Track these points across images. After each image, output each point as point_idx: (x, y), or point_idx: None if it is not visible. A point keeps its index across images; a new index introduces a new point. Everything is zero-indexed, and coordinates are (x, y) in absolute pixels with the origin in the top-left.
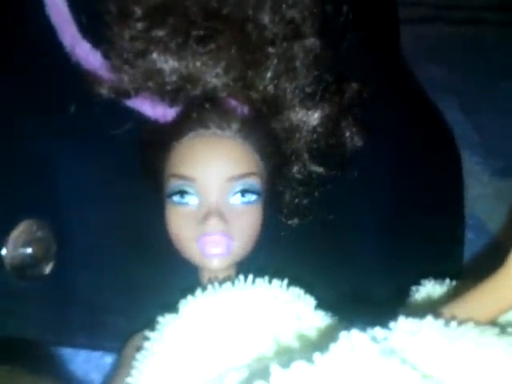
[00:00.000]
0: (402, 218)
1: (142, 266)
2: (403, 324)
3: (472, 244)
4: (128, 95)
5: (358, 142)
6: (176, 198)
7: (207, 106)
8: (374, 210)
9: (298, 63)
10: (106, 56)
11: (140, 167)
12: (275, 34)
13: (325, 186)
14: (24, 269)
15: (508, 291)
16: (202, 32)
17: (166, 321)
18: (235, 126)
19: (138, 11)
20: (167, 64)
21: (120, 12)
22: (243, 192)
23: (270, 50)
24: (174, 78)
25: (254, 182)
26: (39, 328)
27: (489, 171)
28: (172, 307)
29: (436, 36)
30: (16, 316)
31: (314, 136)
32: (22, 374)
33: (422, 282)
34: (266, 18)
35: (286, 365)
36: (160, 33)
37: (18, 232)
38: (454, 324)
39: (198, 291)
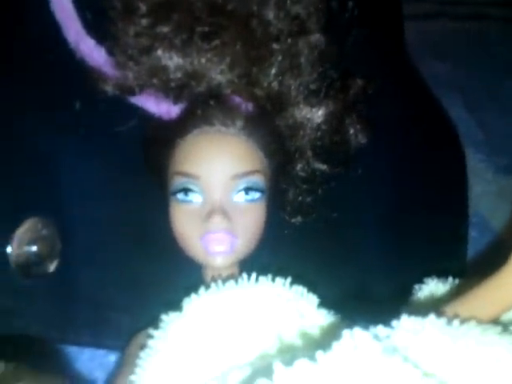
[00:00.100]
0: (406, 216)
1: (146, 263)
2: (406, 322)
3: (475, 242)
4: (132, 92)
5: (362, 139)
6: (180, 196)
7: (212, 102)
8: (377, 207)
9: (302, 59)
10: (110, 52)
11: (144, 164)
12: (280, 30)
13: (328, 184)
14: (29, 267)
15: (510, 290)
16: (206, 28)
17: (169, 319)
18: (239, 123)
19: (143, 7)
20: (172, 61)
21: (125, 8)
22: (247, 190)
23: (275, 46)
24: (179, 74)
25: (258, 179)
26: (44, 326)
27: (492, 169)
28: (176, 305)
29: (440, 32)
30: (21, 314)
31: (318, 133)
32: (26, 371)
33: (425, 280)
34: (270, 14)
35: (288, 363)
36: (165, 29)
37: (23, 230)
38: (456, 322)
39: (202, 289)
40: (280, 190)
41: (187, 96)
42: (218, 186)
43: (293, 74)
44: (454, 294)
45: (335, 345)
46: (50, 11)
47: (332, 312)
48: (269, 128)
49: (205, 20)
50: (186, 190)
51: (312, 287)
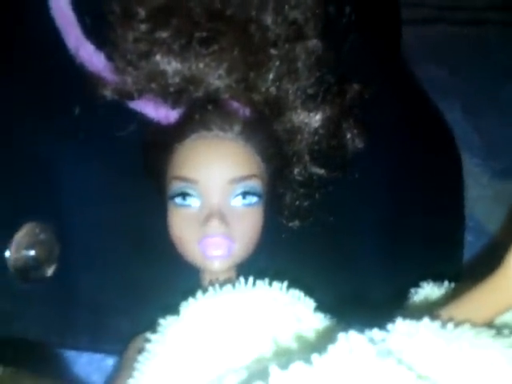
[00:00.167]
0: (402, 220)
1: (145, 267)
2: (401, 326)
3: (471, 246)
4: (131, 97)
5: (359, 143)
6: (178, 200)
7: (209, 107)
8: (374, 211)
9: (300, 64)
10: (109, 58)
11: (143, 169)
12: (278, 35)
13: (326, 188)
14: (27, 271)
15: (504, 293)
16: (205, 34)
17: (167, 322)
18: (237, 127)
19: (142, 13)
20: (170, 66)
21: (124, 14)
22: (244, 194)
23: (273, 51)
24: (177, 79)
25: (256, 184)
26: (42, 330)
27: (489, 173)
28: (173, 309)
29: (438, 37)
30: (19, 318)
31: (316, 138)
32: (24, 375)
33: (421, 284)
34: (268, 20)
35: (284, 366)
36: (163, 34)
37: (21, 234)
38: (450, 325)
39: (199, 293)
40: (277, 194)
41: (185, 101)
42: (216, 191)
43: (290, 79)
44: (450, 298)
45: (331, 348)
46: (50, 17)
47: (328, 316)
48: (266, 132)
49: (203, 25)
50: (184, 195)
51: (309, 291)
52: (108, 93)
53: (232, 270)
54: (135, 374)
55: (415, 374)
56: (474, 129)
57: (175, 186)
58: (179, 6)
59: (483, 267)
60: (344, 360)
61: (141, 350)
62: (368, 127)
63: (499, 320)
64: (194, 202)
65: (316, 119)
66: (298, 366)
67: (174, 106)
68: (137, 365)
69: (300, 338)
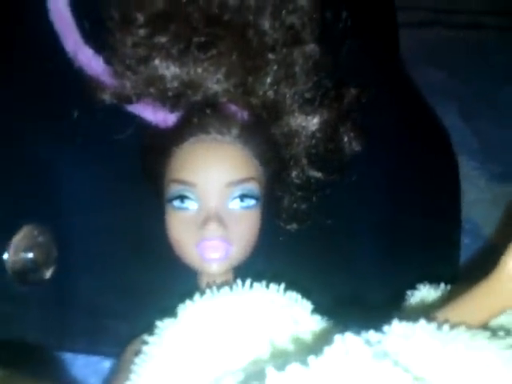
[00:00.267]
0: (399, 223)
1: (142, 270)
2: (397, 327)
3: (468, 249)
4: (130, 101)
5: (357, 147)
6: (176, 203)
7: (208, 111)
8: (371, 214)
9: (297, 69)
10: (108, 62)
11: (141, 172)
12: (275, 40)
13: (323, 191)
14: (25, 273)
15: (499, 295)
16: (203, 38)
17: (164, 325)
18: (235, 131)
19: (141, 18)
20: (169, 70)
21: (123, 18)
22: (242, 197)
23: (270, 56)
24: (176, 83)
25: (253, 186)
26: (40, 332)
27: (486, 176)
28: (171, 311)
29: (435, 40)
30: (17, 320)
31: (313, 141)
32: (21, 377)
33: (418, 286)
34: (266, 25)
35: (281, 367)
36: (162, 39)
37: (20, 237)
38: (446, 327)
39: (197, 295)
40: (275, 197)
41: (184, 105)
42: (214, 194)
43: (288, 83)
44: (446, 300)
45: (327, 350)
46: (49, 21)
47: (326, 318)
48: (264, 136)
49: (201, 30)
50: (182, 198)
51: (306, 293)
52: (107, 97)
53: (229, 273)
54: (132, 376)
55: (411, 376)
56: (472, 132)
57: (173, 189)
58: (178, 11)
59: (480, 270)
60: (340, 362)
61: (138, 353)
62: (365, 130)
63: (494, 322)
64: (191, 205)
65: (313, 123)
66: (294, 367)
67: (172, 109)
68: (134, 367)
69: (297, 340)
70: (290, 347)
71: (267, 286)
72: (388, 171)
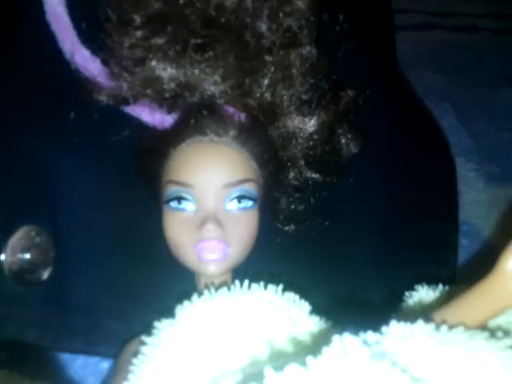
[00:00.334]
0: (397, 224)
1: (140, 271)
2: (395, 328)
3: (466, 250)
4: (127, 102)
5: (354, 148)
6: (173, 204)
7: (205, 113)
8: (368, 215)
9: (294, 71)
10: (105, 63)
11: (138, 173)
12: (272, 42)
13: (320, 193)
14: (22, 274)
15: (496, 296)
16: (200, 40)
17: (162, 326)
18: (232, 132)
19: (138, 19)
20: (166, 72)
21: (120, 20)
22: (240, 198)
23: (267, 57)
24: (173, 85)
25: (251, 188)
26: (37, 333)
27: (484, 178)
28: (168, 312)
29: (432, 43)
30: (14, 321)
31: (310, 143)
32: (19, 378)
33: (416, 287)
34: (263, 27)
35: (279, 368)
36: (159, 41)
37: (17, 238)
38: (444, 328)
39: (195, 296)
40: (272, 198)
41: (181, 106)
42: (211, 195)
43: (285, 85)
44: (444, 301)
45: (325, 350)
46: (46, 22)
47: (324, 319)
48: (261, 137)
49: (198, 32)
50: (179, 199)
51: (304, 294)
52: (104, 98)
53: (227, 274)
54: (130, 377)
55: (409, 377)
56: (469, 134)
57: (170, 190)
58: (175, 12)
59: (478, 271)
60: (338, 362)
61: (136, 354)
62: (362, 132)
63: (493, 322)
64: (189, 206)
65: (310, 124)
66: (292, 368)
67: (169, 111)
68: (132, 368)
69: (295, 341)
70: (288, 348)
71: (265, 287)
72: (385, 173)
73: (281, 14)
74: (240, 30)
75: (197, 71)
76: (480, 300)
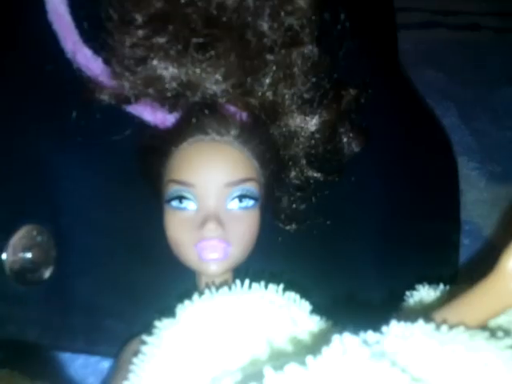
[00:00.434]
0: (399, 223)
1: (141, 270)
2: (395, 328)
3: (467, 249)
4: (128, 101)
5: (356, 147)
6: (174, 203)
7: (206, 112)
8: (370, 215)
9: (296, 70)
10: (107, 62)
11: (139, 172)
12: (274, 41)
13: (322, 192)
14: (24, 273)
15: (497, 296)
16: (201, 39)
17: (163, 325)
18: (234, 131)
19: (139, 19)
20: (167, 71)
21: (121, 19)
22: (241, 197)
23: (269, 56)
24: (174, 84)
25: (252, 187)
26: (38, 332)
27: (486, 177)
28: (169, 312)
29: (433, 41)
30: (15, 320)
31: (312, 142)
32: (19, 377)
33: (417, 286)
34: (264, 26)
35: (279, 368)
36: (160, 40)
37: (18, 237)
38: (444, 328)
39: (195, 296)
40: (274, 197)
41: (182, 105)
42: (213, 194)
43: (286, 84)
44: (445, 301)
45: (325, 350)
46: (48, 22)
47: (324, 318)
48: (263, 136)
49: (200, 31)
50: (180, 198)
51: (304, 294)
52: (105, 97)
53: (228, 273)
54: (131, 376)
55: (409, 376)
56: (471, 132)
57: (172, 190)
58: (176, 12)
59: (479, 270)
60: (338, 362)
61: (137, 353)
62: (364, 131)
63: (493, 322)
64: (190, 205)
65: (312, 123)
66: (292, 367)
67: (171, 110)
68: (133, 367)
69: (295, 340)
70: (289, 347)
71: (266, 287)
72: (387, 172)
73: (282, 13)
74: (241, 29)
75: (198, 70)
76: (481, 299)
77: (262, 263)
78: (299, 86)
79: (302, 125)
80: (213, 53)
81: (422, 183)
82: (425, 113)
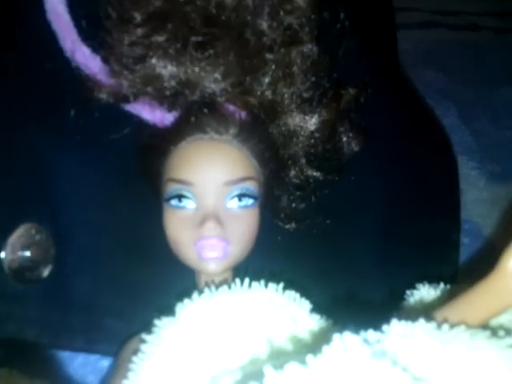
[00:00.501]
0: (398, 223)
1: (140, 269)
2: (396, 327)
3: (467, 248)
4: (127, 100)
5: (355, 146)
6: (174, 202)
7: (205, 111)
8: (370, 214)
9: (295, 69)
10: (105, 61)
11: (138, 171)
12: (273, 40)
13: (322, 191)
14: (23, 272)
15: (498, 295)
16: (200, 38)
17: (162, 324)
18: (233, 130)
19: (138, 17)
20: (166, 69)
21: (120, 18)
22: (240, 196)
23: (268, 55)
24: (173, 83)
25: (251, 186)
26: (37, 330)
27: (485, 176)
28: (169, 310)
29: (433, 41)
30: (14, 319)
31: (311, 141)
32: (19, 376)
33: (417, 286)
34: (264, 24)
35: (279, 366)
36: (159, 38)
37: (17, 235)
38: (445, 327)
39: (195, 294)
40: (273, 196)
41: (181, 104)
42: (212, 193)
43: (286, 83)
44: (445, 300)
45: (325, 349)
46: (47, 20)
47: (324, 317)
48: (262, 135)
49: (199, 30)
50: (179, 197)
51: (305, 292)
52: (104, 96)
53: (228, 272)
54: (130, 375)
55: (410, 375)
56: (471, 132)
57: (171, 188)
58: (175, 10)
59: (479, 270)
60: (338, 361)
61: (136, 351)
62: (364, 131)
63: (494, 321)
64: (189, 204)
65: (312, 123)
66: (292, 366)
67: (169, 108)
68: (132, 366)
69: (295, 339)
70: (289, 346)
71: (266, 285)
72: (387, 171)
73: (281, 12)
74: (240, 28)
75: (197, 69)
76: (481, 299)
77: (262, 262)
78: (298, 85)
79: (302, 124)
80: (212, 51)
81: (421, 183)
82: (424, 112)
